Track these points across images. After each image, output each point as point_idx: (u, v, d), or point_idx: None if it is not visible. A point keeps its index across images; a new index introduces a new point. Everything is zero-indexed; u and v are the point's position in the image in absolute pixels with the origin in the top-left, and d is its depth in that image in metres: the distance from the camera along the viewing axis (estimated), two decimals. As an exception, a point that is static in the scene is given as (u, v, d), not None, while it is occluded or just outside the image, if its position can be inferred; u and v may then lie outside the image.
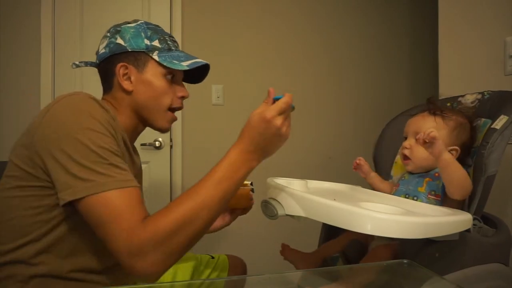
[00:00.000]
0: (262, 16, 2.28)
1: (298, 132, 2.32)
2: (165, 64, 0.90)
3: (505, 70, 1.39)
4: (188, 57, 0.94)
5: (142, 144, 2.02)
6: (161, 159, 2.09)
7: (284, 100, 0.77)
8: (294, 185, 0.98)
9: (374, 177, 1.17)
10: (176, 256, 0.73)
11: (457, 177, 0.91)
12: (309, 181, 1.09)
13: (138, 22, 0.93)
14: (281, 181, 0.98)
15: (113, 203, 0.70)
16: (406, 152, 1.06)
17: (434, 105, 1.07)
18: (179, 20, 2.09)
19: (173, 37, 0.97)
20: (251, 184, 0.99)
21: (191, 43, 2.03)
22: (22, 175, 0.77)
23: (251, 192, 0.99)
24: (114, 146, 0.76)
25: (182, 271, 1.10)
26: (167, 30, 2.09)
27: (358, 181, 1.23)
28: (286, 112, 0.77)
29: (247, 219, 2.14)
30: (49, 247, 0.78)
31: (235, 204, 0.99)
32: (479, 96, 1.14)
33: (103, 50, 0.92)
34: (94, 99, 0.80)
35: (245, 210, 1.04)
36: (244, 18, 2.25)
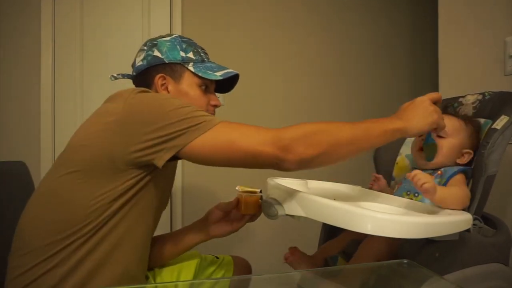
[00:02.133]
0: (263, 15, 2.28)
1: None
2: (200, 74, 0.95)
3: (505, 70, 1.39)
4: (220, 67, 1.00)
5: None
6: (161, 159, 2.09)
7: (437, 93, 0.93)
8: (294, 185, 0.98)
9: (389, 192, 1.17)
10: (318, 149, 0.77)
11: (460, 200, 0.91)
12: (309, 181, 1.09)
13: (173, 36, 0.99)
14: (281, 181, 0.98)
15: (233, 124, 0.79)
16: None
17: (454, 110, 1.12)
18: (179, 23, 2.09)
19: (204, 50, 1.03)
20: (260, 191, 1.01)
21: (191, 43, 2.03)
22: (92, 160, 0.80)
23: (260, 200, 1.00)
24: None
25: (186, 270, 1.11)
26: (167, 33, 2.09)
27: (358, 181, 1.23)
28: (437, 103, 0.91)
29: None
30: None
31: (244, 210, 1.01)
32: (480, 97, 1.14)
33: (141, 63, 0.97)
34: None
35: (254, 216, 1.05)
36: (245, 18, 2.25)
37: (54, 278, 0.79)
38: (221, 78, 0.96)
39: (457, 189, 0.94)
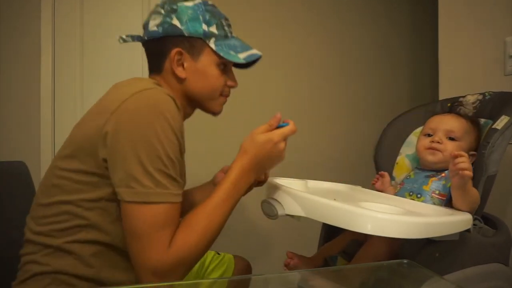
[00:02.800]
0: (262, 15, 2.28)
1: (299, 132, 2.31)
2: (221, 54, 0.87)
3: (505, 70, 1.39)
4: (244, 47, 0.93)
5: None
6: (161, 159, 2.09)
7: (290, 128, 0.86)
8: (294, 185, 0.98)
9: (391, 190, 1.17)
10: (191, 266, 0.79)
11: (467, 201, 0.92)
12: (309, 181, 1.09)
13: (196, 2, 0.88)
14: (281, 181, 0.98)
15: (157, 216, 0.73)
16: (437, 146, 1.04)
17: (461, 109, 1.12)
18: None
19: (228, 20, 0.94)
20: None
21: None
22: (80, 159, 0.77)
23: None
24: (178, 153, 0.78)
25: None
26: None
27: (358, 181, 1.23)
28: (287, 138, 0.86)
29: (247, 218, 2.13)
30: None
31: None
32: (480, 97, 1.14)
33: (155, 29, 0.86)
34: (171, 96, 0.79)
35: (260, 182, 1.03)
36: (246, 17, 2.25)
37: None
38: (244, 62, 0.89)
39: (474, 189, 0.94)
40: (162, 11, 0.86)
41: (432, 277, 0.72)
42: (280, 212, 0.83)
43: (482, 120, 1.09)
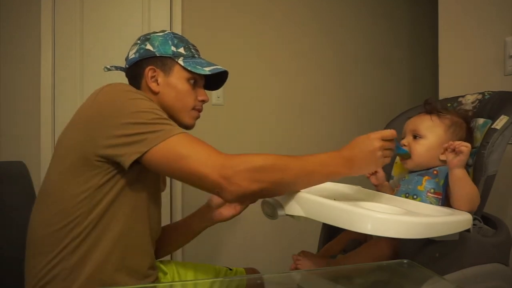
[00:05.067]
0: (262, 15, 2.28)
1: (299, 132, 2.32)
2: (189, 68, 0.97)
3: (505, 70, 1.39)
4: (210, 63, 1.01)
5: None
6: (161, 159, 2.09)
7: (390, 131, 0.88)
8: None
9: (386, 186, 1.17)
10: (262, 185, 0.77)
11: (466, 193, 0.91)
12: (309, 181, 1.09)
13: (166, 32, 1.02)
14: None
15: (189, 140, 0.80)
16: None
17: (430, 105, 1.09)
18: (179, 20, 2.09)
19: (195, 47, 1.05)
20: None
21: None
22: (71, 157, 0.83)
23: None
24: (162, 112, 0.85)
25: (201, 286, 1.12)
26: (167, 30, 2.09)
27: (358, 181, 1.23)
28: (388, 141, 0.87)
29: (247, 219, 2.13)
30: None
31: None
32: (480, 97, 1.14)
33: (133, 56, 1.00)
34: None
35: None
36: (244, 17, 2.25)
37: (64, 276, 0.82)
38: (209, 73, 0.98)
39: (473, 183, 0.93)
40: (138, 42, 1.02)
41: (432, 277, 0.72)
42: (280, 212, 0.83)
43: (482, 120, 1.09)
